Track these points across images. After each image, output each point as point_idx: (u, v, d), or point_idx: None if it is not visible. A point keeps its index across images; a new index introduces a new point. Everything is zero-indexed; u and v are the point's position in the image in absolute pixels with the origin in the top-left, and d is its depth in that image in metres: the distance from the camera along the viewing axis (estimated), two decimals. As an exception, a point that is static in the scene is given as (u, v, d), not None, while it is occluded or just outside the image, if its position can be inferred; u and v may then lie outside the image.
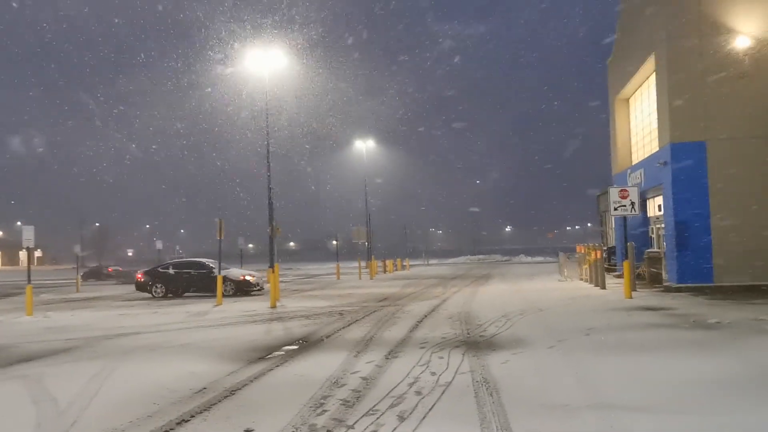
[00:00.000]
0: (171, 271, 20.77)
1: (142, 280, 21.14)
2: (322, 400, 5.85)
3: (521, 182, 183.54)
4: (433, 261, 61.73)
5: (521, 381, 6.43)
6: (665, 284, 16.59)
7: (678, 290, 15.37)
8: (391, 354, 8.24)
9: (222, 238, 17.31)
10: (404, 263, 44.02)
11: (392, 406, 5.59)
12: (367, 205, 44.66)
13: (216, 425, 5.18)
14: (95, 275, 42.40)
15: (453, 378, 6.64)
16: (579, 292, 16.95)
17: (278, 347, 9.19)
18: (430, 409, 5.43)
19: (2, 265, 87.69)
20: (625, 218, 16.37)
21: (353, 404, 5.70)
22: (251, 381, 6.85)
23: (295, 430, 4.96)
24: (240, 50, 27.44)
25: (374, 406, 5.58)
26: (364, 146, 46.38)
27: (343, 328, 11.18)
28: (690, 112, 15.81)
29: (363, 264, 35.46)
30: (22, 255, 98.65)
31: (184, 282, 20.57)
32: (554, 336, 9.21)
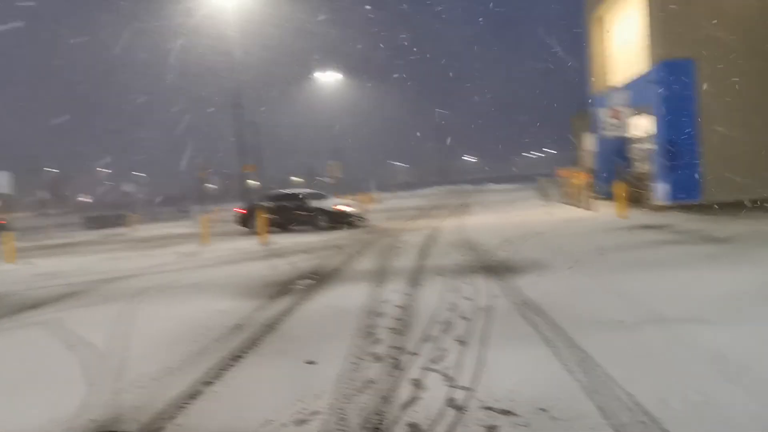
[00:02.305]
0: (268, 204, 19.11)
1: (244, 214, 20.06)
2: (369, 330, 5.74)
3: (481, 111, 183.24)
4: (402, 194, 61.70)
5: (561, 301, 6.41)
6: (651, 203, 16.82)
7: (667, 209, 15.60)
8: (414, 282, 8.15)
9: (205, 177, 16.76)
10: (375, 196, 43.83)
11: (445, 331, 5.50)
12: (336, 140, 43.92)
13: (275, 359, 5.03)
14: None
15: (490, 302, 6.58)
16: (569, 215, 17.09)
17: (292, 281, 9.01)
18: (485, 333, 5.36)
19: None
20: (618, 139, 16.38)
21: (403, 332, 5.59)
22: (284, 315, 6.68)
23: (358, 359, 4.84)
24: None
25: (427, 333, 5.48)
26: (324, 78, 45.25)
27: (349, 260, 11.03)
28: (679, 29, 15.64)
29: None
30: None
31: (281, 215, 19.11)
32: (569, 257, 9.24)
